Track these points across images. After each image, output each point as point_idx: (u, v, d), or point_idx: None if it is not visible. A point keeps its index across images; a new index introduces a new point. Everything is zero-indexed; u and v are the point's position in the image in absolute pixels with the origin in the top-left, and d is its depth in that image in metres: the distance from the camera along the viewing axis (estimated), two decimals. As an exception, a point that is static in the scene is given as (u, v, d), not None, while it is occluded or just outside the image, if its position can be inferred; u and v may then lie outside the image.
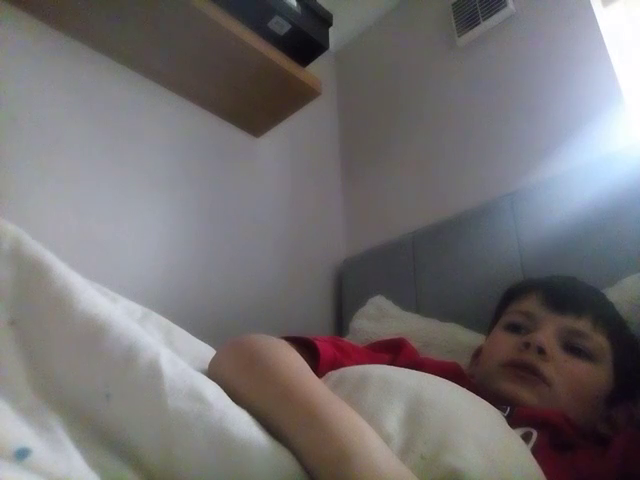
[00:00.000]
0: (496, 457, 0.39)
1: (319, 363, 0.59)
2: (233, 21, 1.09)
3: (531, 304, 0.73)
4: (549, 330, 0.67)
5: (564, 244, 1.00)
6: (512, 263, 1.07)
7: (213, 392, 0.39)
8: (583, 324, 0.68)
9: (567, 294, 0.72)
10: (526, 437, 0.51)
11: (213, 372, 0.49)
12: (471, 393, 0.50)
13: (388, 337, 0.85)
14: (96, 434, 0.37)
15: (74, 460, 0.34)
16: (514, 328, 0.72)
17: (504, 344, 0.70)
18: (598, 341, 0.67)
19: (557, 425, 0.58)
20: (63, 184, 0.99)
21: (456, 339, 0.97)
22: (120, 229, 1.06)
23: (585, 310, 0.69)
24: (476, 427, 0.42)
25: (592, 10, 1.20)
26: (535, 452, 0.46)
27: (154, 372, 0.38)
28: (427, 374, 0.52)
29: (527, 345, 0.66)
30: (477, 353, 0.82)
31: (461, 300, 1.12)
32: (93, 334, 0.40)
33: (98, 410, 0.38)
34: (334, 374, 0.51)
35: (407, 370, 0.52)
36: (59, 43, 1.05)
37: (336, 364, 0.59)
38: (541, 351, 0.64)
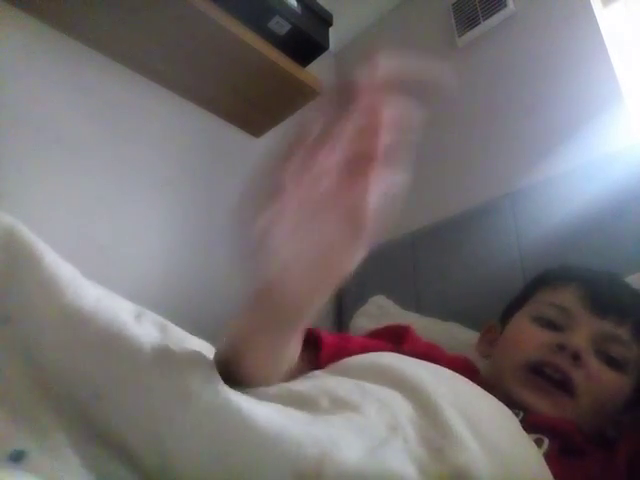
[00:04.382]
0: (508, 460, 0.39)
1: (322, 350, 0.58)
2: (233, 21, 1.09)
3: (569, 299, 0.65)
4: (585, 333, 0.61)
5: (564, 244, 1.00)
6: (512, 263, 1.07)
7: (199, 381, 0.37)
8: (624, 331, 0.62)
9: (612, 295, 0.65)
10: (537, 443, 0.49)
11: None
12: (486, 392, 0.48)
13: (393, 323, 0.80)
14: (92, 434, 0.37)
15: (70, 461, 0.33)
16: (545, 323, 0.64)
17: (533, 339, 0.63)
18: (634, 351, 0.62)
19: (568, 434, 0.56)
20: (63, 184, 0.99)
21: (456, 338, 0.96)
22: (119, 229, 1.06)
23: (629, 316, 0.63)
24: (491, 427, 0.42)
25: (592, 10, 1.20)
26: (545, 458, 0.45)
27: (138, 365, 0.37)
28: (443, 368, 0.50)
29: (562, 348, 0.59)
30: (488, 329, 0.76)
31: (461, 299, 1.12)
32: (77, 328, 0.39)
33: (91, 410, 0.37)
34: (340, 363, 0.51)
35: (421, 362, 0.50)
36: (59, 43, 1.05)
37: (340, 350, 0.58)
38: (576, 357, 0.59)
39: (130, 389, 0.37)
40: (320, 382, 0.45)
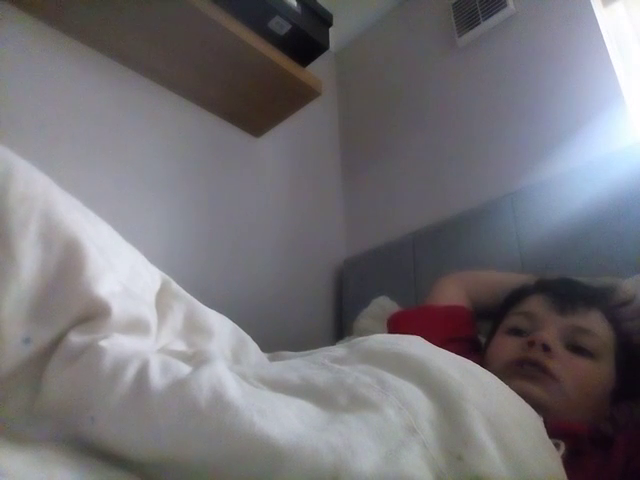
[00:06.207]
0: (528, 470, 0.38)
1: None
2: (233, 21, 1.09)
3: (535, 304, 0.73)
4: (552, 330, 0.67)
5: (564, 244, 1.00)
6: (512, 263, 1.07)
7: (206, 399, 0.36)
8: (587, 323, 0.68)
9: (572, 294, 0.72)
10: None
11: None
12: (515, 394, 0.48)
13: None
14: (87, 447, 0.36)
15: (62, 469, 0.33)
16: (516, 332, 0.72)
17: (508, 346, 0.69)
18: (601, 338, 0.67)
19: (581, 437, 0.57)
20: (62, 183, 0.99)
21: (457, 339, 0.96)
22: (119, 228, 1.06)
23: (590, 309, 0.69)
24: (515, 434, 0.41)
25: (592, 10, 1.20)
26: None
27: (141, 390, 0.36)
28: (475, 365, 0.49)
29: (531, 344, 0.65)
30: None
31: (461, 300, 1.12)
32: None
33: (84, 430, 0.37)
34: (365, 345, 0.50)
35: (454, 357, 0.50)
36: (59, 43, 1.05)
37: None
38: (546, 348, 0.64)
39: (127, 416, 0.36)
40: (341, 374, 0.44)
